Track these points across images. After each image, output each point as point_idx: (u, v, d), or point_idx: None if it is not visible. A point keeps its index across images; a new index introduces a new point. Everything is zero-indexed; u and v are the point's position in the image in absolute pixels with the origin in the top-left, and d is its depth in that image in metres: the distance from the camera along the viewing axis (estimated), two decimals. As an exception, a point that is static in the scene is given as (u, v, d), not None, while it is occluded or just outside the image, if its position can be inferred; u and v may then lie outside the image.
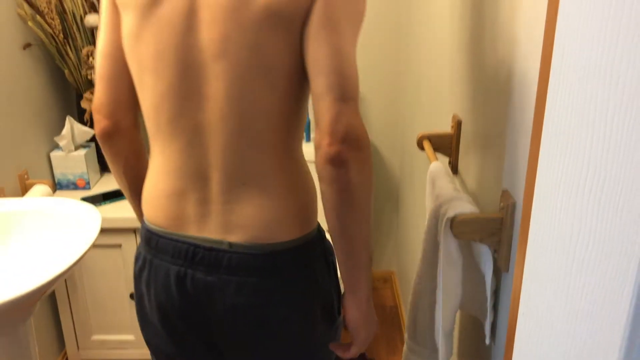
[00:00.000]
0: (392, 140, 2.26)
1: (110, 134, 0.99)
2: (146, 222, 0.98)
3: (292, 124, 0.90)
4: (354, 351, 0.97)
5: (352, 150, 0.81)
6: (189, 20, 0.86)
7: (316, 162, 0.84)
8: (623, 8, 0.33)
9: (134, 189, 1.07)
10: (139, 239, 1.77)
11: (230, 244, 0.90)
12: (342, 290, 0.99)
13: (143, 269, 0.97)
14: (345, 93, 0.81)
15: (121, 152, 1.02)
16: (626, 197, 0.36)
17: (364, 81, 2.17)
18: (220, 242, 0.90)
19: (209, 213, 0.91)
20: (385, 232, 2.46)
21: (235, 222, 0.90)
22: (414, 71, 1.89)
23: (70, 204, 1.33)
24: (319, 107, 0.82)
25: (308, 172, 0.96)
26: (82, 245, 1.17)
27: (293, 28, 0.84)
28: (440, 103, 1.46)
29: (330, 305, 0.99)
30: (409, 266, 2.06)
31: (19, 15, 1.73)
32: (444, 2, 1.42)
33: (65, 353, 2.00)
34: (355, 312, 0.94)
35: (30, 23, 1.74)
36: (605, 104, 0.35)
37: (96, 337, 1.94)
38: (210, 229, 0.91)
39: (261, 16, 0.82)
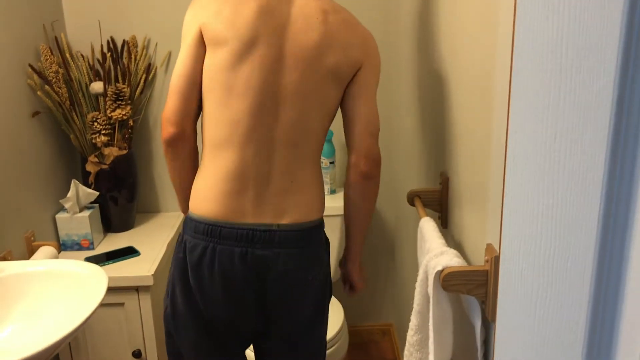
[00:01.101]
0: (387, 195, 2.33)
1: (176, 139, 1.27)
2: (203, 216, 1.23)
3: (322, 144, 1.30)
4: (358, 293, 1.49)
5: (377, 169, 1.27)
6: (278, 64, 1.21)
7: (352, 176, 1.28)
8: (557, 117, 0.40)
9: (184, 186, 1.35)
10: (141, 298, 1.81)
11: (279, 225, 1.22)
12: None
13: (203, 256, 1.22)
14: (374, 131, 1.27)
15: (181, 154, 1.30)
16: (574, 260, 0.42)
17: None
18: (271, 225, 1.22)
19: (264, 204, 1.22)
20: (382, 284, 2.49)
21: (283, 210, 1.23)
22: (406, 129, 1.97)
23: (77, 265, 1.38)
24: (358, 139, 1.26)
25: (322, 176, 1.34)
26: (90, 305, 1.21)
27: (343, 83, 1.26)
28: (429, 161, 1.54)
29: (329, 273, 1.35)
30: (407, 318, 2.09)
31: (29, 85, 1.82)
32: (430, 67, 1.51)
33: (68, 414, 2.00)
34: (358, 275, 1.44)
35: (39, 92, 1.83)
36: (549, 195, 0.42)
37: (98, 397, 1.95)
38: (264, 217, 1.22)
39: (327, 72, 1.23)
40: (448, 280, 0.97)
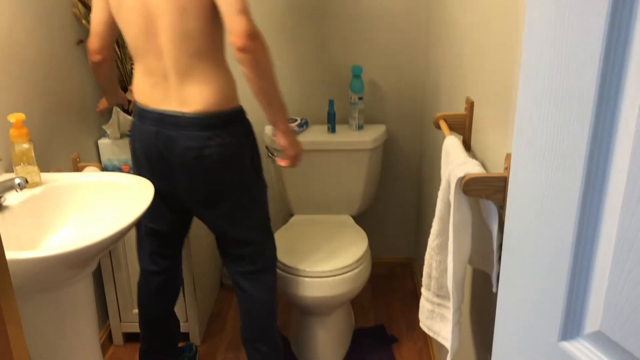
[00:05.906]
0: (412, 129, 2.40)
1: (99, 63, 1.71)
2: (137, 104, 1.59)
3: (212, 39, 1.49)
4: (288, 161, 1.66)
5: (251, 41, 1.38)
6: None
7: (236, 55, 1.40)
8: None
9: (104, 83, 1.82)
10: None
11: (183, 113, 1.51)
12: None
13: (135, 131, 1.60)
14: (241, 8, 1.39)
15: (103, 70, 1.74)
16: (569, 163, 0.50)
17: (389, 74, 2.31)
18: (177, 112, 1.51)
19: (168, 96, 1.52)
20: (404, 221, 2.59)
21: (184, 100, 1.50)
22: (435, 57, 2.03)
23: (125, 177, 1.49)
24: (229, 20, 1.39)
25: (228, 71, 1.56)
26: (138, 209, 1.33)
27: None
28: (457, 87, 1.60)
29: (252, 158, 1.62)
30: (427, 250, 2.19)
31: (74, 13, 1.91)
32: (459, -2, 1.56)
33: (109, 325, 2.17)
34: (281, 138, 1.60)
35: (83, 21, 1.92)
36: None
37: (137, 310, 2.10)
38: (170, 105, 1.52)
39: None
40: (469, 185, 1.05)
